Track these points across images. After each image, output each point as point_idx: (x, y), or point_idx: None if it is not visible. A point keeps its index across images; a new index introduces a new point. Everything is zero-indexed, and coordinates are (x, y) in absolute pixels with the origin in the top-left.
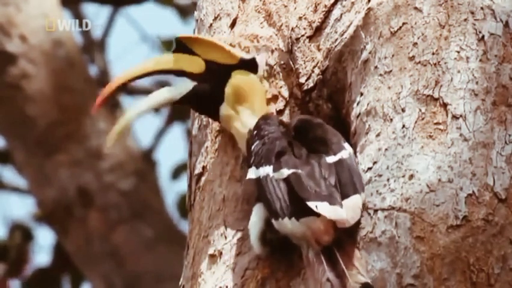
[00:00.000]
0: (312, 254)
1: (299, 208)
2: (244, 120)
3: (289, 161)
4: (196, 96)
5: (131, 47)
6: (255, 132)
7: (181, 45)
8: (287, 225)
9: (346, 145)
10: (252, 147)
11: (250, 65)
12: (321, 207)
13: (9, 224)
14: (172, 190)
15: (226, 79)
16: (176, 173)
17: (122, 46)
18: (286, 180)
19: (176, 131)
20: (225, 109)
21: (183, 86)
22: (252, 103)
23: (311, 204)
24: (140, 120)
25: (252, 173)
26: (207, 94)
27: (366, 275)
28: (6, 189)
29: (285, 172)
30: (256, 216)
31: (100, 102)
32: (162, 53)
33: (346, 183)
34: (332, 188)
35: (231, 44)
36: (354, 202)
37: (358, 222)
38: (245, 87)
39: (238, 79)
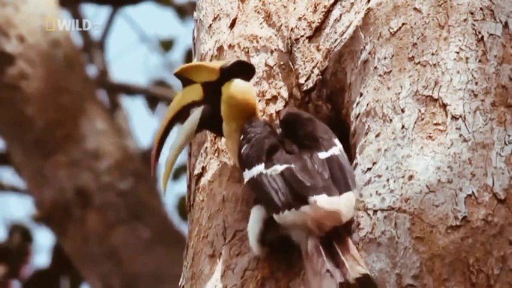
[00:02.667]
0: (312, 246)
1: (297, 198)
2: (234, 137)
3: (280, 157)
4: (205, 120)
5: (130, 47)
6: (242, 137)
7: (182, 79)
8: (288, 217)
9: (336, 141)
10: (242, 151)
11: (238, 70)
12: (320, 200)
13: (9, 225)
14: (171, 192)
15: (218, 96)
16: (176, 175)
17: (121, 46)
18: (281, 175)
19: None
20: (224, 127)
21: (195, 114)
22: (240, 118)
23: (310, 199)
24: (139, 120)
25: (246, 176)
26: (211, 115)
27: (366, 266)
28: (5, 190)
29: (279, 168)
30: (254, 218)
31: (154, 164)
32: (160, 54)
33: (338, 179)
34: (328, 181)
35: (230, 45)
36: (347, 199)
37: (351, 219)
38: (232, 103)
39: (226, 95)
